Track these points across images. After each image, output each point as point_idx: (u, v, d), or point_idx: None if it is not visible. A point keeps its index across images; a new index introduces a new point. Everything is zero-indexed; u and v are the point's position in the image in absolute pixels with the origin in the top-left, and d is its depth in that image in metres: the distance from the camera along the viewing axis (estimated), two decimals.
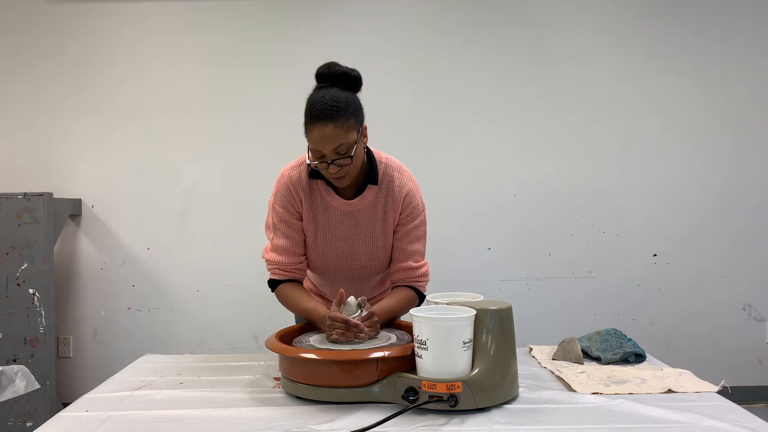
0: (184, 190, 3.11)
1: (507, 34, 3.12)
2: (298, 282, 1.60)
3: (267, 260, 1.59)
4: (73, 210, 3.04)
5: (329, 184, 1.52)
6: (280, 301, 1.59)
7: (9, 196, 2.71)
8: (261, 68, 3.11)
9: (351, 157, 1.38)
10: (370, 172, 1.51)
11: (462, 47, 3.12)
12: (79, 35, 3.10)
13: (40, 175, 3.08)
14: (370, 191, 1.52)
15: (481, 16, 3.12)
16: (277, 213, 1.55)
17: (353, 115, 1.38)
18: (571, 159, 3.13)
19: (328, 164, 1.38)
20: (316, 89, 1.41)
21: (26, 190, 2.84)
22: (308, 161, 1.42)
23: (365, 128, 1.45)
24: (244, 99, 3.11)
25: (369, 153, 1.52)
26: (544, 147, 3.13)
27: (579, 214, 3.13)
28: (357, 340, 1.35)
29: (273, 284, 1.59)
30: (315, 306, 1.50)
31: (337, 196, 1.53)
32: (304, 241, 1.58)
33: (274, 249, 1.57)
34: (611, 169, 3.13)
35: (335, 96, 1.36)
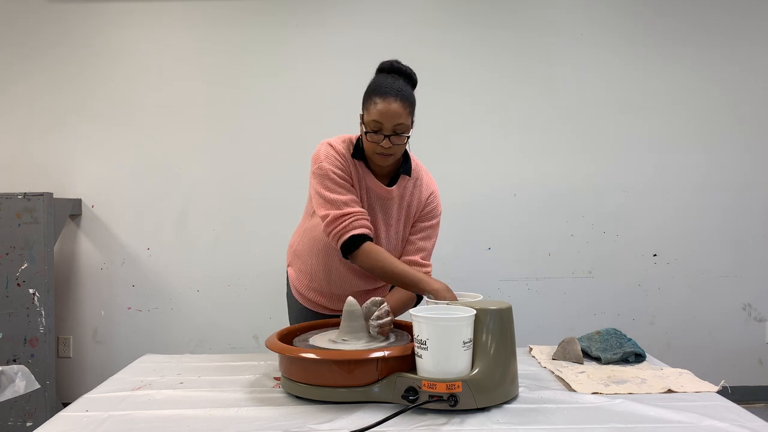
0: (184, 190, 3.11)
1: (507, 34, 3.12)
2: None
3: (343, 215, 1.47)
4: (73, 210, 3.04)
5: (367, 167, 1.56)
6: (369, 262, 1.46)
7: (9, 196, 2.71)
8: (262, 68, 3.10)
9: (408, 137, 1.47)
10: (404, 163, 1.59)
11: (462, 47, 3.11)
12: (79, 35, 3.10)
13: (40, 175, 3.08)
14: (404, 181, 1.59)
15: (480, 16, 3.12)
16: (333, 178, 1.50)
17: (413, 105, 1.50)
18: (571, 159, 3.13)
19: (384, 137, 1.44)
20: (383, 76, 1.51)
21: (26, 190, 2.84)
22: (364, 129, 1.47)
23: (413, 123, 1.52)
24: (244, 98, 3.11)
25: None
26: (544, 147, 3.13)
27: (579, 214, 3.13)
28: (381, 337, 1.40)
29: (358, 242, 1.46)
30: (419, 275, 1.44)
31: (375, 179, 1.56)
32: None
33: (345, 203, 1.49)
34: (611, 169, 3.13)
35: (403, 85, 1.48)
